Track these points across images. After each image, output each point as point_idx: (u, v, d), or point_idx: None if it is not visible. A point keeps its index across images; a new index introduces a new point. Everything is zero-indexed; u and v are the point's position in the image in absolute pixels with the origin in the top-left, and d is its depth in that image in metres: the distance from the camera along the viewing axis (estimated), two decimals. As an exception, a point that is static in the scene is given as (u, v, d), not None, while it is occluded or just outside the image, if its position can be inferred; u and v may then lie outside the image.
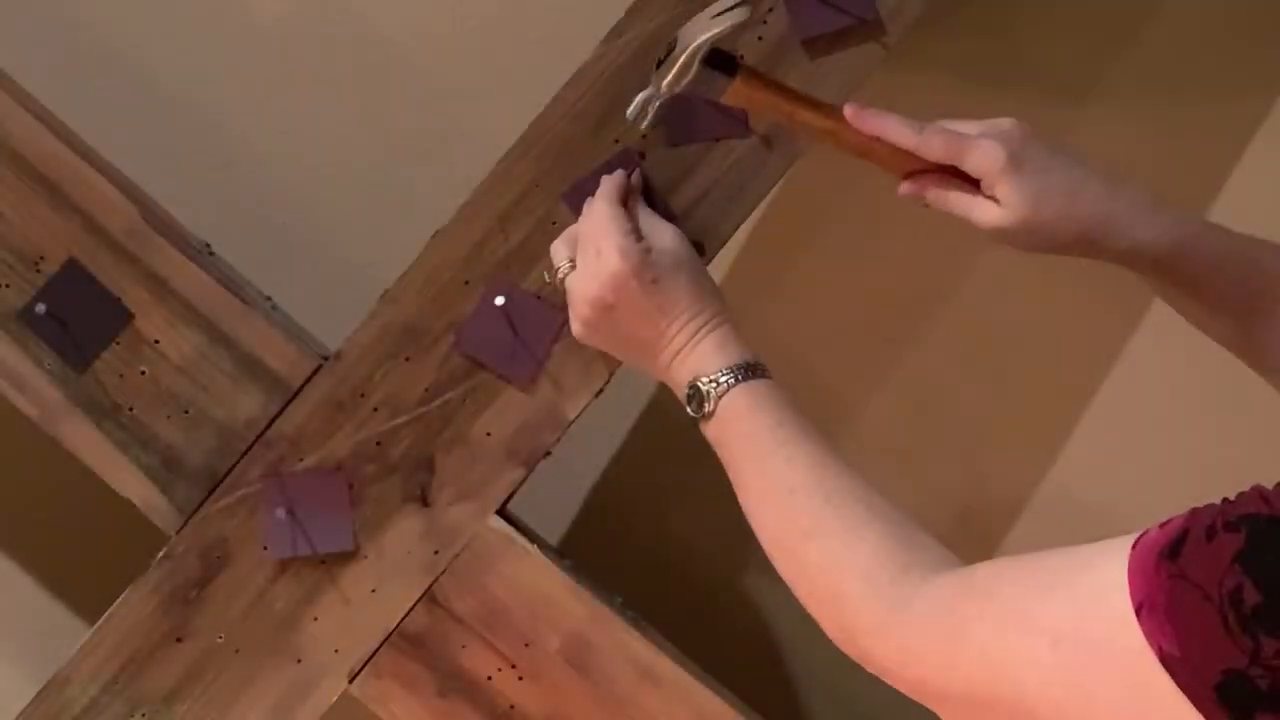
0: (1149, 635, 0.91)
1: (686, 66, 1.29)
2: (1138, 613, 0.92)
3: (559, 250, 1.36)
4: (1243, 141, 1.68)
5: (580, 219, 1.35)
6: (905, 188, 1.33)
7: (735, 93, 1.31)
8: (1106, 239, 1.28)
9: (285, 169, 1.71)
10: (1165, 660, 0.90)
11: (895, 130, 1.31)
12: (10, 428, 1.58)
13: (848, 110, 1.31)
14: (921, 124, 1.31)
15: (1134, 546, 0.94)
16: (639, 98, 1.31)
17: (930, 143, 1.30)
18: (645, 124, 1.33)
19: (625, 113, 1.33)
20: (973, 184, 1.30)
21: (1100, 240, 1.29)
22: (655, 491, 1.75)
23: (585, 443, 1.61)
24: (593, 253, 1.31)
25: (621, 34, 1.44)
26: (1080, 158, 1.31)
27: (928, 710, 1.10)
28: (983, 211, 1.30)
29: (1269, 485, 0.93)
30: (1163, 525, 0.94)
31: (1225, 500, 0.93)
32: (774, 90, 1.33)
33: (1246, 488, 0.93)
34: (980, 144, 1.29)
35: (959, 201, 1.31)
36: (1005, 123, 1.30)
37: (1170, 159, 1.68)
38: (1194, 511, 0.93)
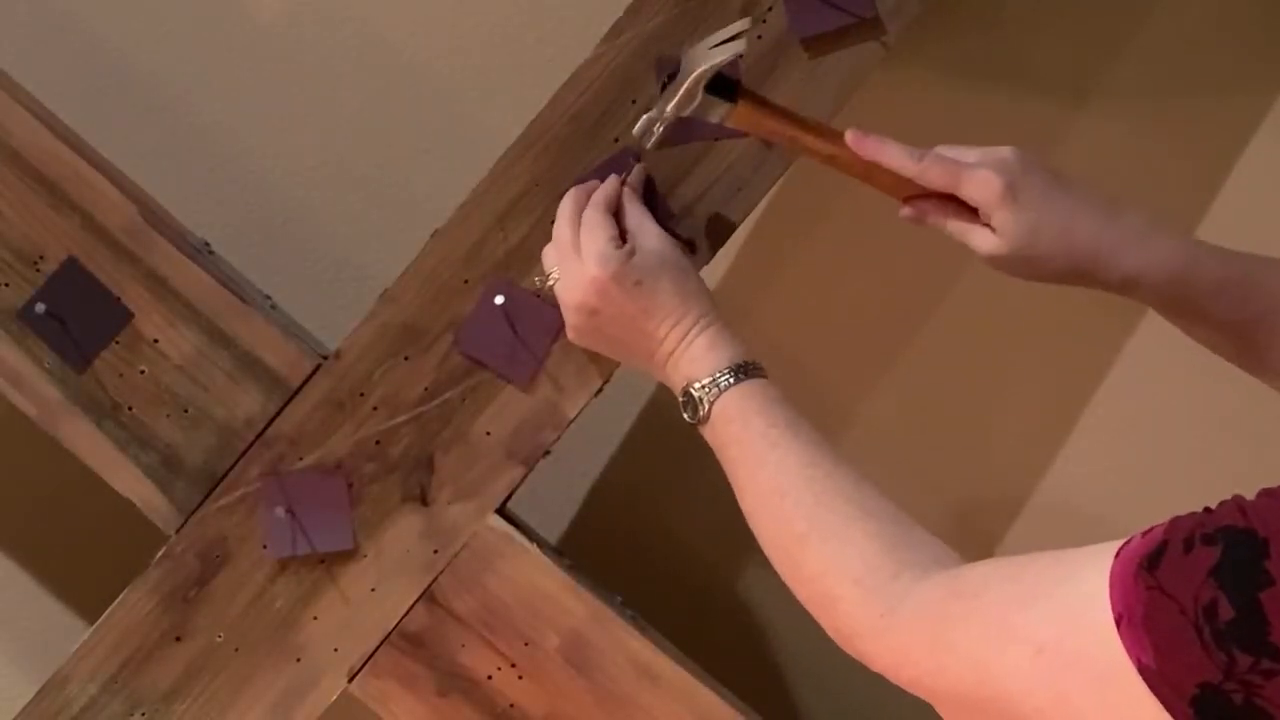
0: (1128, 647, 0.91)
1: (690, 92, 1.32)
2: (1117, 624, 0.92)
3: (549, 257, 1.38)
4: (1241, 141, 1.68)
5: (568, 224, 1.36)
6: (905, 212, 1.36)
7: (737, 117, 1.34)
8: (1100, 270, 1.30)
9: (285, 168, 1.71)
10: (1143, 672, 0.91)
11: (895, 157, 1.33)
12: (10, 427, 1.58)
13: (849, 136, 1.33)
14: (922, 151, 1.33)
15: (1116, 556, 0.94)
16: (644, 119, 1.35)
17: (929, 171, 1.32)
18: (650, 144, 1.36)
19: (632, 130, 1.36)
20: (971, 211, 1.32)
21: (1094, 272, 1.30)
22: (655, 491, 1.75)
23: (585, 442, 1.61)
24: (576, 260, 1.33)
25: (620, 33, 1.44)
26: (1079, 185, 1.32)
27: (924, 711, 1.10)
28: (979, 239, 1.32)
29: (1251, 494, 0.93)
30: (1145, 534, 0.94)
31: (1206, 510, 0.94)
32: (775, 114, 1.35)
33: (1228, 496, 0.93)
34: (977, 174, 1.30)
35: (957, 228, 1.33)
36: (1004, 151, 1.32)
37: (1167, 158, 1.68)
38: (1174, 521, 0.94)
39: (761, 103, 1.35)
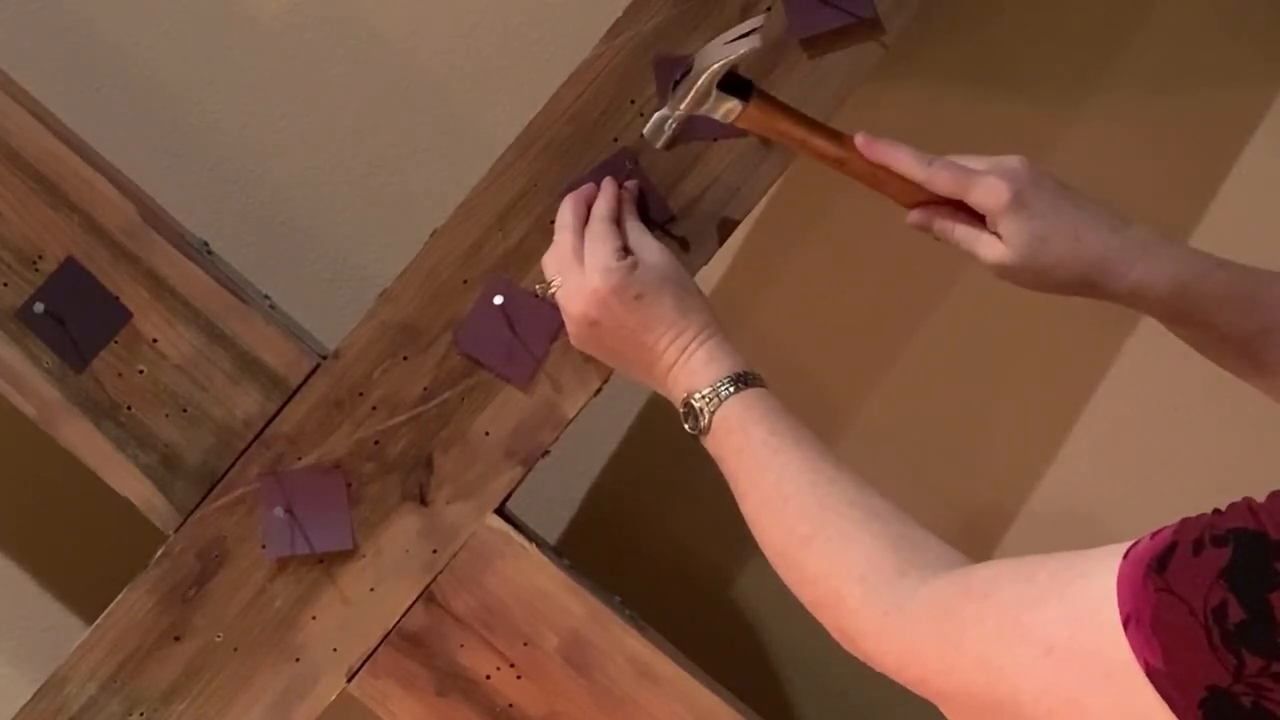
0: (1136, 649, 0.91)
1: (703, 90, 1.32)
2: (1125, 625, 0.92)
3: (549, 266, 1.38)
4: (1238, 142, 1.68)
5: (570, 234, 1.36)
6: (913, 217, 1.36)
7: (748, 117, 1.34)
8: (1107, 281, 1.30)
9: (284, 168, 1.71)
10: (1151, 674, 0.90)
11: (904, 162, 1.33)
12: (9, 427, 1.58)
13: (858, 140, 1.33)
14: (931, 157, 1.33)
15: (1125, 557, 0.94)
16: (655, 117, 1.35)
17: (937, 177, 1.32)
18: (661, 142, 1.36)
19: (642, 130, 1.36)
20: (979, 219, 1.32)
21: (1101, 282, 1.30)
22: (654, 491, 1.75)
23: (584, 442, 1.61)
24: (578, 270, 1.33)
25: (620, 33, 1.45)
26: (1086, 197, 1.32)
27: (923, 711, 1.10)
28: (986, 248, 1.32)
29: (1262, 494, 0.92)
30: (1153, 535, 0.94)
31: (1215, 512, 0.93)
32: (786, 116, 1.35)
33: (1238, 498, 0.93)
34: (985, 181, 1.30)
35: (964, 235, 1.33)
36: (1012, 160, 1.32)
37: (1163, 159, 1.68)
38: (1184, 523, 0.93)
39: (773, 102, 1.34)
